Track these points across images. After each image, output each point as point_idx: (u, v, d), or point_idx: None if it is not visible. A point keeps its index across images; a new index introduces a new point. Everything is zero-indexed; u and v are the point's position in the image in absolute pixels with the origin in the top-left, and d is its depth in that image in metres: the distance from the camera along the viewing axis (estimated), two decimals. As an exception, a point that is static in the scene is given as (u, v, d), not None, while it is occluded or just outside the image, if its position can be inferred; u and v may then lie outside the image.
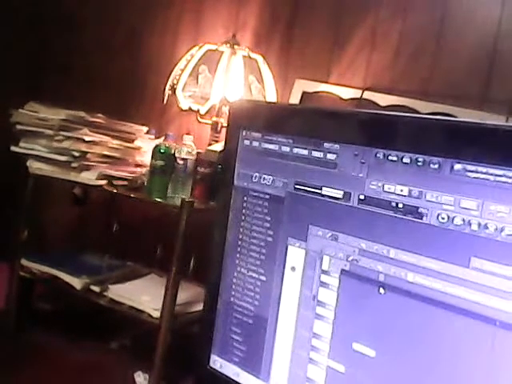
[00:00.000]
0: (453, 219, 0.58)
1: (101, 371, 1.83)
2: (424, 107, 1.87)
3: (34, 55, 2.61)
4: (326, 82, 2.08)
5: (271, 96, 2.06)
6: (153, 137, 2.04)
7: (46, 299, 2.20)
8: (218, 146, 1.88)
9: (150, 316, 1.72)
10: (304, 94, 2.10)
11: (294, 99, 2.09)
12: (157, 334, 1.68)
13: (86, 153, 1.79)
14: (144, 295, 1.81)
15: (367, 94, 2.00)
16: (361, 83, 2.03)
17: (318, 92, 2.08)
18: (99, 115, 1.86)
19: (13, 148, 1.85)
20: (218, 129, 2.02)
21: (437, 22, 1.92)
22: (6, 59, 2.42)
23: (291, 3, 2.18)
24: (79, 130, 1.79)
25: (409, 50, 1.97)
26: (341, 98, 2.04)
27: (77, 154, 1.78)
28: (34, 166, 1.85)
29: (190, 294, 1.85)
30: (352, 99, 2.02)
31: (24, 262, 1.91)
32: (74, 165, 1.78)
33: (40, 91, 2.41)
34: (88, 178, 1.80)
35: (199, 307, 1.80)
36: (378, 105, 1.96)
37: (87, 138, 1.78)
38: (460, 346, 0.58)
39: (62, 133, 1.78)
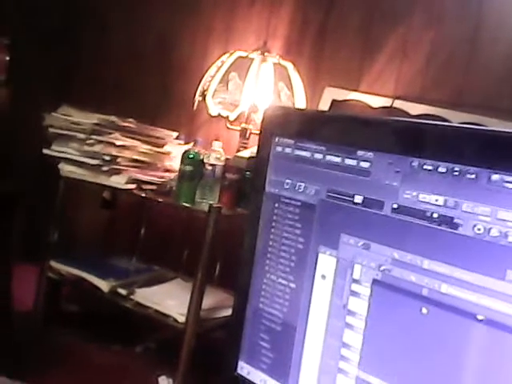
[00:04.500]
0: (489, 230, 0.57)
1: (125, 374, 1.84)
2: (455, 117, 1.84)
3: (66, 60, 2.65)
4: (356, 91, 2.07)
5: (300, 103, 2.06)
6: (182, 142, 2.05)
7: (72, 301, 2.23)
8: (247, 153, 1.88)
9: (176, 320, 1.73)
10: (333, 101, 2.09)
11: (324, 107, 2.08)
12: (182, 339, 1.68)
13: (117, 157, 1.81)
14: (170, 299, 1.81)
15: (397, 103, 1.98)
16: (391, 92, 2.02)
17: (348, 100, 2.07)
18: (130, 120, 1.88)
19: (45, 151, 1.88)
20: (247, 135, 2.03)
21: (470, 31, 1.90)
22: (38, 64, 2.47)
23: (322, 11, 2.18)
24: (110, 134, 1.81)
25: (440, 60, 1.95)
26: (370, 107, 2.03)
27: (107, 157, 1.80)
28: (66, 169, 1.87)
29: (215, 300, 1.85)
30: (382, 108, 2.01)
31: (53, 263, 1.93)
32: (104, 168, 1.81)
33: (71, 95, 2.45)
34: (118, 181, 1.82)
35: (224, 313, 1.80)
36: (408, 114, 1.95)
37: (118, 143, 1.80)
38: (493, 360, 0.56)
39: (93, 137, 1.81)
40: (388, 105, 2.00)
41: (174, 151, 2.00)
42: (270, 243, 0.78)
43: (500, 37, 1.86)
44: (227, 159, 1.80)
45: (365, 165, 0.68)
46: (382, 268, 0.66)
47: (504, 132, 0.57)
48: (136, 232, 2.34)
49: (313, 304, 0.73)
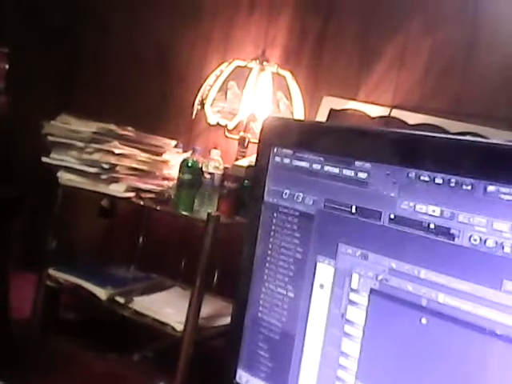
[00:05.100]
0: (485, 241, 0.58)
1: (123, 383, 1.83)
2: (453, 126, 1.85)
3: (66, 68, 2.66)
4: (354, 100, 2.08)
5: (299, 113, 2.07)
6: (181, 151, 2.06)
7: (70, 309, 2.22)
8: (245, 161, 1.89)
9: (174, 329, 1.73)
10: (331, 111, 2.10)
11: (322, 116, 2.09)
12: (180, 347, 1.68)
13: (116, 165, 1.82)
14: (168, 308, 1.82)
15: (395, 112, 1.99)
16: (389, 101, 2.03)
17: (346, 109, 2.08)
18: (129, 128, 1.89)
19: (44, 159, 1.89)
20: (245, 144, 2.04)
21: (467, 39, 1.91)
22: (38, 72, 2.48)
23: (320, 21, 2.19)
24: (109, 142, 1.82)
25: (438, 69, 1.97)
26: (368, 116, 2.04)
27: (106, 166, 1.80)
28: (65, 177, 1.88)
29: (213, 308, 1.85)
30: (380, 117, 2.02)
31: (51, 271, 1.93)
32: (103, 177, 1.81)
33: (71, 103, 2.46)
34: (116, 190, 1.82)
35: (222, 321, 1.80)
36: (406, 123, 1.95)
37: (117, 151, 1.81)
38: (488, 369, 0.57)
39: (92, 145, 1.82)
40: (386, 114, 2.01)
41: (172, 160, 2.00)
42: (269, 252, 0.79)
43: (496, 47, 1.87)
44: (226, 168, 1.81)
45: (362, 175, 0.69)
46: (379, 278, 0.66)
47: (500, 144, 0.57)
48: (134, 240, 2.34)
49: (311, 313, 0.73)
